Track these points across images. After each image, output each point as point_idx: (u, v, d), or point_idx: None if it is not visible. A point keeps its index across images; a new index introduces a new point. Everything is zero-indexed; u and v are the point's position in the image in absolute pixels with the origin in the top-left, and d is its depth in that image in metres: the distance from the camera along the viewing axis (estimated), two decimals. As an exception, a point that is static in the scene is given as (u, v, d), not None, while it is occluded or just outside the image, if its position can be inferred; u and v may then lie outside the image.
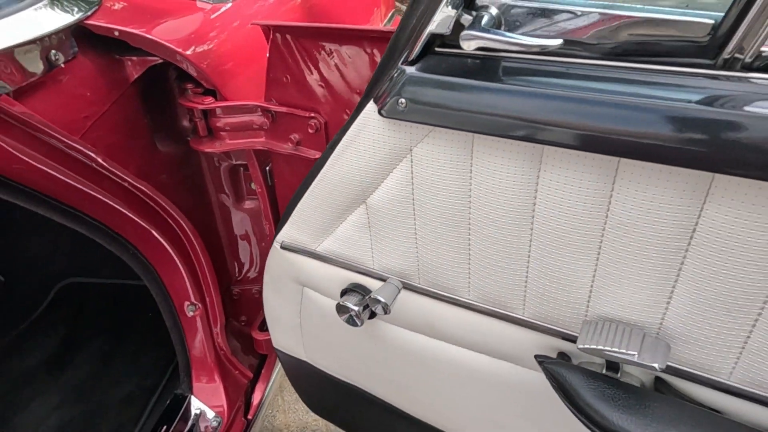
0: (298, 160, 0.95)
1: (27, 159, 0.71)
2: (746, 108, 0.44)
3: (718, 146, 0.45)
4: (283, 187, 1.05)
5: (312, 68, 0.85)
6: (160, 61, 0.90)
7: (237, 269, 1.38)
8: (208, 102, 0.93)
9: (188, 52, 0.88)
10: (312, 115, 0.88)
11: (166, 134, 1.04)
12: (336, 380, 1.06)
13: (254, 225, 1.31)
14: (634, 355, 0.55)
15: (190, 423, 1.24)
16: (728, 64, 0.45)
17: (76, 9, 0.79)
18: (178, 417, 1.25)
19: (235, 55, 0.99)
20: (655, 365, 0.55)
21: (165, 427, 1.22)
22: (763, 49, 0.44)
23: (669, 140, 0.46)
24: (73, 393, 1.39)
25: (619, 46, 0.49)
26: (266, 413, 1.94)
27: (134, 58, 0.90)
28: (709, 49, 0.45)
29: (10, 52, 0.68)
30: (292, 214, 0.83)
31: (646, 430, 0.55)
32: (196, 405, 1.27)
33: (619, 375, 0.63)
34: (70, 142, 0.75)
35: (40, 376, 1.45)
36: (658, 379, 0.63)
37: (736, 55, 0.45)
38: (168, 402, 1.28)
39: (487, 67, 0.55)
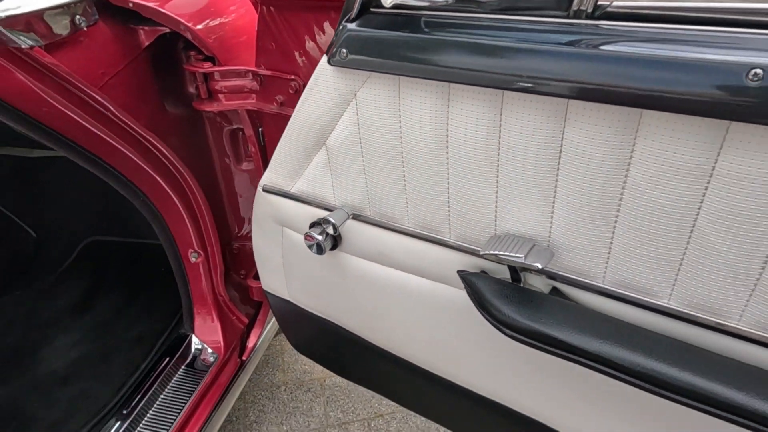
0: (282, 118, 1.10)
1: (54, 103, 0.88)
2: (587, 47, 0.57)
3: (569, 77, 0.58)
4: (272, 145, 1.21)
5: (292, 35, 1.00)
6: (168, 30, 1.07)
7: (236, 226, 1.54)
8: (207, 67, 1.10)
9: (189, 23, 1.04)
10: (292, 77, 1.03)
11: (174, 98, 1.21)
12: (314, 317, 1.20)
13: (252, 185, 1.46)
14: (521, 257, 0.68)
15: (190, 357, 1.41)
16: (577, 15, 0.58)
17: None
18: (180, 351, 1.41)
19: (234, 27, 1.15)
20: (537, 265, 0.67)
21: (168, 359, 1.39)
22: (600, 2, 0.57)
23: (535, 72, 0.59)
24: (92, 332, 1.58)
25: (502, 2, 0.63)
26: (267, 371, 2.11)
27: (146, 27, 1.06)
28: (563, 3, 0.58)
29: (41, 13, 0.85)
30: (271, 160, 0.98)
31: (529, 317, 0.68)
32: (196, 342, 1.43)
33: (521, 284, 0.76)
34: (89, 91, 0.91)
35: (65, 318, 1.64)
36: (554, 289, 0.75)
37: (581, 8, 0.57)
38: (173, 339, 1.46)
39: (407, 21, 0.69)
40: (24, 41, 0.78)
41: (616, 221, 0.64)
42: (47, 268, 1.81)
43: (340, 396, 2.01)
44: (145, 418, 1.24)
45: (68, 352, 1.51)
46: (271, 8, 0.98)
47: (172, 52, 1.14)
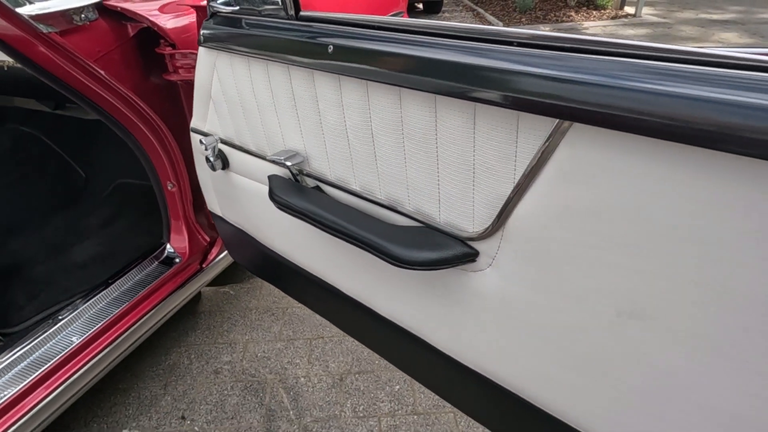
0: (214, 86, 1.64)
1: (62, 66, 1.47)
2: (294, 35, 1.04)
3: (288, 52, 1.05)
4: (214, 106, 1.75)
5: (213, 30, 1.53)
6: (146, 25, 1.64)
7: (207, 170, 2.10)
8: (169, 50, 1.66)
9: (158, 21, 1.61)
10: (216, 58, 1.56)
11: (154, 71, 1.79)
12: (235, 227, 1.73)
13: (217, 140, 2.02)
14: (281, 158, 1.16)
15: (163, 257, 1.99)
16: (291, 18, 1.06)
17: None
18: (156, 252, 2.00)
19: (188, 24, 1.71)
20: (288, 163, 1.15)
21: (147, 256, 1.98)
22: (302, 12, 1.04)
23: (274, 50, 1.08)
24: (109, 240, 2.21)
25: (265, 10, 1.11)
26: (245, 298, 2.67)
27: (132, 23, 1.64)
28: (283, 11, 1.06)
29: (62, 12, 1.45)
30: (193, 108, 1.52)
31: (287, 196, 1.15)
32: (169, 248, 2.01)
33: (298, 182, 1.23)
34: (85, 61, 1.50)
35: (94, 229, 2.29)
36: (317, 186, 1.22)
37: (291, 13, 1.05)
38: (155, 246, 2.05)
39: (230, 20, 1.20)
40: (44, 28, 1.37)
41: (323, 137, 1.10)
42: (90, 198, 2.49)
43: (295, 321, 2.52)
44: (123, 288, 1.83)
45: (91, 249, 2.15)
46: (199, 12, 1.52)
47: (151, 40, 1.72)
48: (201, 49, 1.30)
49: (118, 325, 1.70)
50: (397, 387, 2.17)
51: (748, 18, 8.82)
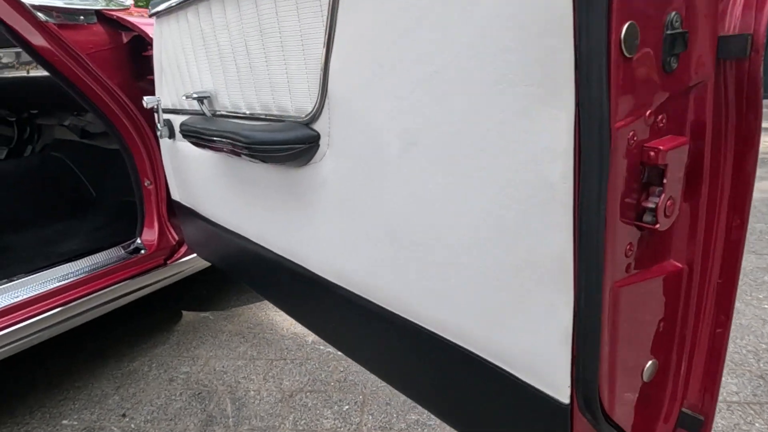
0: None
1: (62, 58, 1.74)
2: None
3: None
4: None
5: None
6: (137, 33, 1.94)
7: (187, 175, 2.28)
8: (155, 53, 1.93)
9: (147, 30, 1.90)
10: (185, 53, 1.80)
11: (144, 75, 2.05)
12: (188, 208, 1.83)
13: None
14: (193, 94, 1.29)
15: (131, 248, 2.10)
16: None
17: (101, 3, 1.88)
18: (125, 243, 2.12)
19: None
20: (195, 95, 1.28)
21: (113, 244, 2.10)
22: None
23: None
24: (94, 237, 2.38)
25: None
26: (222, 321, 2.69)
27: (126, 31, 1.94)
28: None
29: (70, 9, 1.76)
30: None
31: (193, 123, 1.27)
32: (137, 241, 2.13)
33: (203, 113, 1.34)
34: (75, 50, 1.77)
35: (87, 231, 2.48)
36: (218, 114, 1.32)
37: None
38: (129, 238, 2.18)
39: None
40: (42, 17, 1.67)
41: (221, 66, 1.23)
42: (94, 212, 2.72)
43: (262, 343, 2.49)
44: (90, 264, 1.94)
45: (75, 245, 2.32)
46: (176, 15, 1.79)
47: (142, 47, 2.00)
48: (154, 23, 1.52)
49: (68, 293, 1.79)
50: (346, 407, 2.04)
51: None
